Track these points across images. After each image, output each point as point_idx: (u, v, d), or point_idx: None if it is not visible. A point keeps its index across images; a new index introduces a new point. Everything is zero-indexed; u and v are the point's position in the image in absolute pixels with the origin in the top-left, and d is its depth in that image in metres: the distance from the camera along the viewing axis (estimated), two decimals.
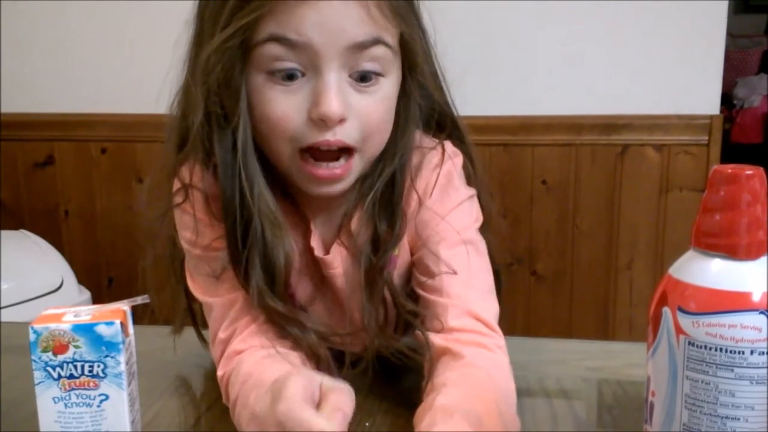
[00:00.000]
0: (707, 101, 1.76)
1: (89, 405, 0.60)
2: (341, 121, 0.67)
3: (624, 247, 1.88)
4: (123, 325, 0.61)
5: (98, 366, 0.60)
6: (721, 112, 1.81)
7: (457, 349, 0.68)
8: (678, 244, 1.82)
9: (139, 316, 2.06)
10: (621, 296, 1.90)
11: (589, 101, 1.80)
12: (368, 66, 0.68)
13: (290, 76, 0.66)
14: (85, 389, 0.60)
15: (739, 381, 0.44)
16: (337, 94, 0.66)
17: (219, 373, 0.72)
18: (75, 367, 0.60)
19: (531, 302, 1.93)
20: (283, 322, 0.73)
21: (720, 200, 0.45)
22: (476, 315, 0.71)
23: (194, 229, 0.75)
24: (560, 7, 1.73)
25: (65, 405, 0.60)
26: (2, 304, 1.59)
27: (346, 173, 0.70)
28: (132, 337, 0.64)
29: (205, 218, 0.74)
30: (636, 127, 1.79)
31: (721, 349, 0.44)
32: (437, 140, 0.78)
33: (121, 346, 0.60)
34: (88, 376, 0.60)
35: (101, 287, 2.10)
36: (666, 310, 0.46)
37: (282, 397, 0.57)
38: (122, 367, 0.60)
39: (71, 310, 0.62)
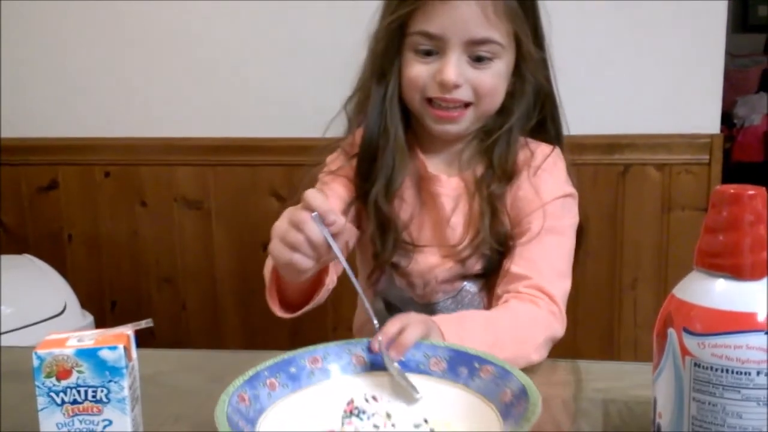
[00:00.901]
0: (708, 120, 1.76)
1: (93, 431, 0.60)
2: (456, 86, 0.95)
3: (628, 267, 1.87)
4: (126, 349, 0.61)
5: (102, 391, 0.60)
6: (722, 131, 1.81)
7: (511, 302, 0.91)
8: (681, 264, 1.80)
9: (144, 339, 2.04)
10: (626, 316, 1.89)
11: (591, 121, 1.81)
12: (482, 53, 0.95)
13: (427, 53, 0.96)
14: (89, 414, 0.60)
15: (746, 402, 0.44)
16: (455, 67, 0.94)
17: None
18: (78, 392, 0.60)
19: None
20: (384, 222, 1.01)
21: (723, 220, 0.45)
22: (543, 288, 0.92)
23: (336, 159, 1.06)
24: (562, 28, 1.74)
25: (69, 431, 0.60)
26: (5, 329, 1.59)
27: (459, 118, 0.98)
28: (135, 362, 0.64)
29: (344, 156, 1.05)
30: (638, 147, 1.79)
31: (727, 371, 0.44)
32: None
33: (124, 370, 0.60)
34: (91, 401, 0.60)
35: (105, 312, 2.09)
36: (671, 332, 0.46)
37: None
38: (126, 392, 0.60)
39: (74, 335, 0.62)
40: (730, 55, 2.74)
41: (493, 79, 0.97)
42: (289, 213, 0.78)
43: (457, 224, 1.01)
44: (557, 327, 0.92)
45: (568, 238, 0.99)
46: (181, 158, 1.96)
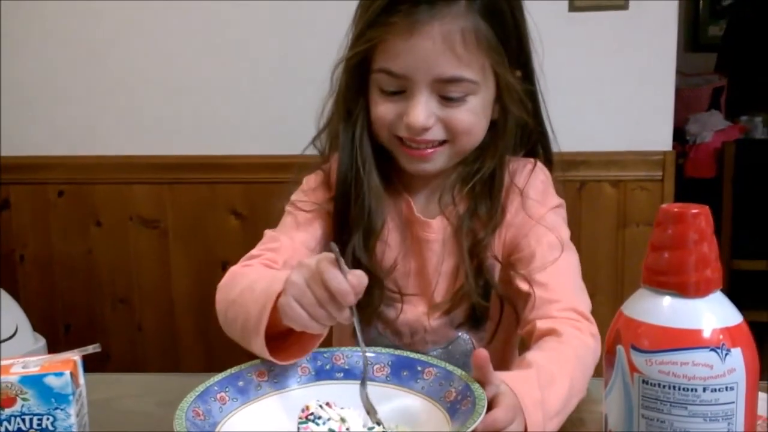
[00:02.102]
0: (660, 138, 1.80)
1: None
2: (425, 129, 0.87)
3: (585, 281, 1.88)
4: (73, 375, 0.59)
5: (47, 419, 0.58)
6: (675, 147, 1.84)
7: (559, 329, 0.82)
8: (636, 279, 1.82)
9: (98, 362, 2.00)
10: None
11: None
12: (453, 93, 0.86)
13: (394, 93, 0.88)
14: None
15: (692, 419, 0.45)
16: (422, 108, 0.86)
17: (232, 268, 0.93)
18: (23, 420, 0.58)
19: None
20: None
21: (668, 239, 0.46)
22: (576, 309, 0.85)
23: (315, 188, 0.98)
24: None
25: None
26: None
27: (432, 156, 0.89)
28: (83, 388, 0.62)
29: (324, 185, 0.98)
30: (592, 164, 1.82)
31: (674, 387, 0.44)
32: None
33: (71, 397, 0.58)
34: (36, 429, 0.58)
35: (58, 334, 2.04)
36: (620, 348, 0.46)
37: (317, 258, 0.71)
38: (73, 419, 0.58)
39: (19, 360, 0.61)
40: (682, 74, 2.81)
41: (468, 117, 0.88)
42: (310, 269, 0.70)
43: (446, 272, 0.94)
44: (599, 350, 0.85)
45: (574, 251, 0.93)
46: (136, 176, 1.93)
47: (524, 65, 0.93)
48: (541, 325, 0.84)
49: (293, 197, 1.00)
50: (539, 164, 0.96)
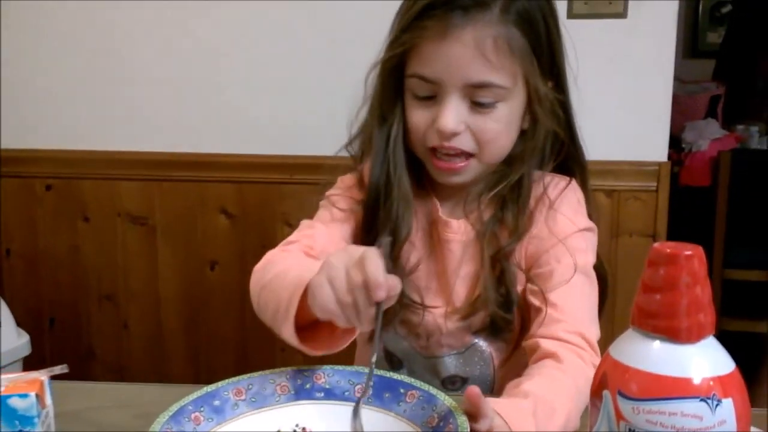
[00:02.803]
0: (656, 148, 1.78)
1: None
2: (455, 134, 0.87)
3: None
4: (39, 396, 0.57)
5: None
6: (670, 155, 1.83)
7: (562, 354, 0.80)
8: (629, 291, 1.81)
9: (84, 359, 1.97)
10: None
11: None
12: (483, 99, 0.87)
13: (427, 98, 0.89)
14: None
15: None
16: (452, 113, 0.87)
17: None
18: None
19: None
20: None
21: (660, 280, 0.44)
22: (583, 335, 0.83)
23: (351, 186, 0.99)
24: None
25: None
26: None
27: (463, 169, 0.90)
28: (50, 409, 0.60)
29: (358, 186, 0.98)
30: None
31: None
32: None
33: (36, 420, 0.56)
34: None
35: (42, 329, 2.02)
36: (606, 393, 0.44)
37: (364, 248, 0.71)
38: None
39: None
40: (680, 81, 2.79)
41: (496, 126, 0.88)
42: (353, 255, 0.70)
43: (465, 275, 0.94)
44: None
45: (593, 281, 0.91)
46: (125, 173, 1.91)
47: (556, 76, 0.93)
48: (544, 344, 0.83)
49: (328, 193, 1.01)
50: (574, 184, 0.96)
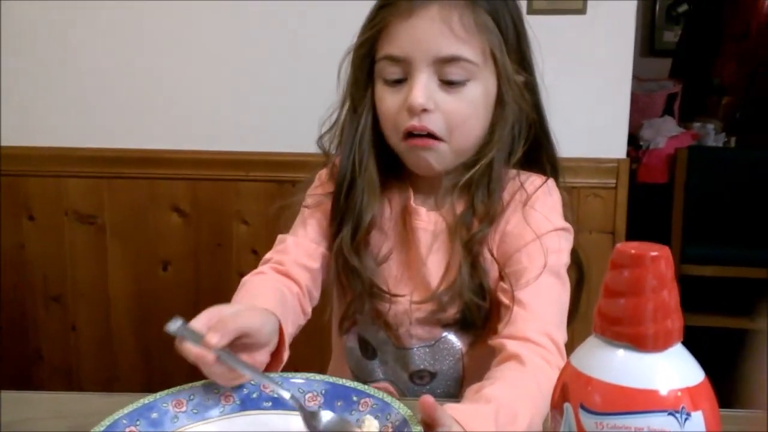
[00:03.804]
0: (614, 145, 1.78)
1: None
2: (425, 110, 0.86)
3: None
4: None
5: None
6: (629, 152, 1.83)
7: (526, 357, 0.78)
8: (588, 287, 1.81)
9: (31, 361, 1.89)
10: None
11: None
12: (453, 75, 0.86)
13: (397, 81, 0.88)
14: None
15: None
16: (422, 90, 0.85)
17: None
18: None
19: None
20: (348, 273, 0.93)
21: (624, 283, 0.41)
22: (551, 336, 0.81)
23: (325, 182, 0.98)
24: None
25: None
26: None
27: (434, 146, 0.88)
28: None
29: (329, 181, 0.97)
30: None
31: None
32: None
33: None
34: None
35: None
36: (567, 406, 0.41)
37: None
38: None
39: None
40: (637, 79, 2.81)
41: (467, 108, 0.88)
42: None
43: (434, 265, 0.93)
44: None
45: (565, 282, 0.89)
46: (72, 170, 1.84)
47: (526, 69, 0.94)
48: (510, 345, 0.80)
49: (307, 192, 1.02)
50: (552, 183, 0.95)
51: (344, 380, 0.73)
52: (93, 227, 1.88)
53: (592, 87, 1.73)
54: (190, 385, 0.72)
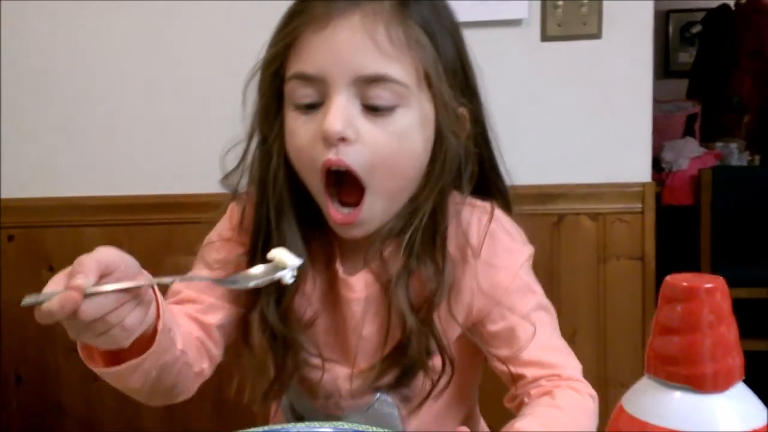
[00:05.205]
0: (638, 169, 1.74)
1: None
2: (343, 140, 0.70)
3: (565, 318, 1.79)
4: None
5: None
6: (651, 176, 1.79)
7: (556, 392, 0.73)
8: (619, 314, 1.76)
9: (52, 415, 1.86)
10: None
11: (522, 171, 1.76)
12: (379, 100, 0.71)
13: (310, 106, 0.73)
14: None
15: None
16: (340, 114, 0.70)
17: None
18: None
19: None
20: (278, 339, 0.79)
21: (677, 319, 0.37)
22: (571, 377, 0.76)
23: (234, 227, 0.84)
24: (490, 80, 1.70)
25: None
26: None
27: (356, 218, 0.73)
28: None
29: (236, 229, 0.83)
30: (570, 197, 1.76)
31: None
32: (487, 201, 0.82)
33: None
34: None
35: (9, 386, 1.91)
36: None
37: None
38: None
39: None
40: (656, 101, 2.78)
41: (396, 139, 0.72)
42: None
43: (370, 335, 0.81)
44: (597, 412, 0.76)
45: (550, 309, 0.81)
46: (89, 219, 1.83)
47: (465, 83, 0.79)
48: (534, 392, 0.75)
49: (205, 241, 0.89)
50: (497, 213, 0.81)
51: (353, 424, 0.69)
52: None
53: (612, 111, 1.71)
54: None
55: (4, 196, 1.85)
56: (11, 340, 1.91)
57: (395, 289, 0.76)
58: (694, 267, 2.75)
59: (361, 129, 0.71)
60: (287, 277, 0.64)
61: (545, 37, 1.69)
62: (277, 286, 0.74)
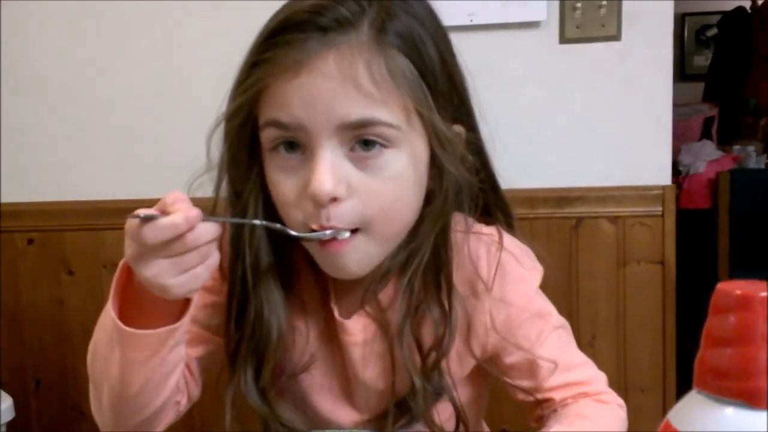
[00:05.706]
0: (658, 172, 1.73)
1: None
2: (335, 200, 0.65)
3: (585, 323, 1.80)
4: None
5: None
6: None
7: (584, 406, 0.73)
8: (639, 320, 1.75)
9: (73, 419, 1.85)
10: None
11: (540, 175, 1.75)
12: (367, 147, 0.65)
13: (291, 145, 0.66)
14: None
15: None
16: (328, 171, 0.63)
17: None
18: None
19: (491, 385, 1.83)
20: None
21: (730, 330, 0.36)
22: (596, 392, 0.76)
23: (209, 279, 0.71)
24: (509, 82, 1.70)
25: None
26: None
27: (346, 249, 0.67)
28: None
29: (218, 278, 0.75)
30: (589, 200, 1.75)
31: None
32: (490, 225, 0.78)
33: None
34: None
35: (28, 391, 1.92)
36: None
37: None
38: None
39: None
40: (672, 104, 2.76)
41: (390, 186, 0.66)
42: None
43: (372, 378, 0.76)
44: (626, 421, 0.75)
45: (565, 324, 0.79)
46: (109, 222, 1.83)
47: (459, 109, 0.72)
48: (561, 409, 0.76)
49: None
50: (505, 241, 0.75)
51: None
52: None
53: (631, 112, 1.69)
54: None
55: (23, 200, 1.86)
56: (31, 345, 1.92)
57: (398, 340, 0.71)
58: (711, 271, 2.72)
59: (352, 182, 0.65)
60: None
61: (564, 39, 1.68)
62: (256, 357, 0.71)
